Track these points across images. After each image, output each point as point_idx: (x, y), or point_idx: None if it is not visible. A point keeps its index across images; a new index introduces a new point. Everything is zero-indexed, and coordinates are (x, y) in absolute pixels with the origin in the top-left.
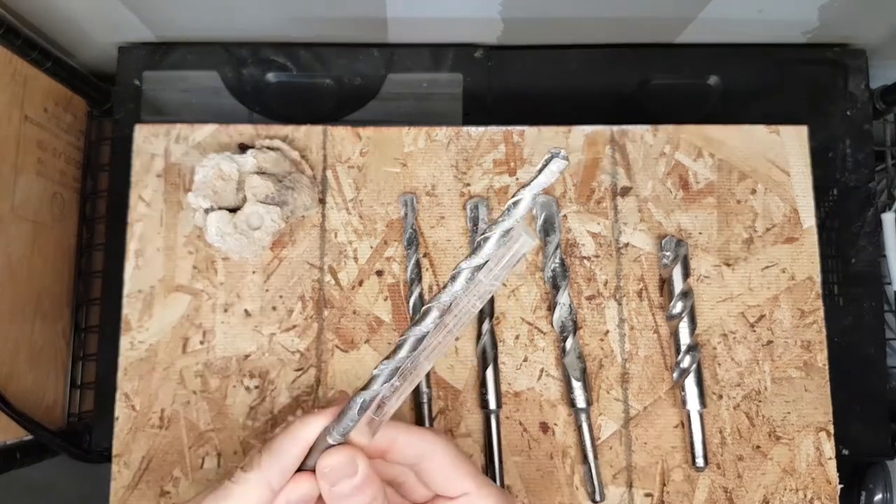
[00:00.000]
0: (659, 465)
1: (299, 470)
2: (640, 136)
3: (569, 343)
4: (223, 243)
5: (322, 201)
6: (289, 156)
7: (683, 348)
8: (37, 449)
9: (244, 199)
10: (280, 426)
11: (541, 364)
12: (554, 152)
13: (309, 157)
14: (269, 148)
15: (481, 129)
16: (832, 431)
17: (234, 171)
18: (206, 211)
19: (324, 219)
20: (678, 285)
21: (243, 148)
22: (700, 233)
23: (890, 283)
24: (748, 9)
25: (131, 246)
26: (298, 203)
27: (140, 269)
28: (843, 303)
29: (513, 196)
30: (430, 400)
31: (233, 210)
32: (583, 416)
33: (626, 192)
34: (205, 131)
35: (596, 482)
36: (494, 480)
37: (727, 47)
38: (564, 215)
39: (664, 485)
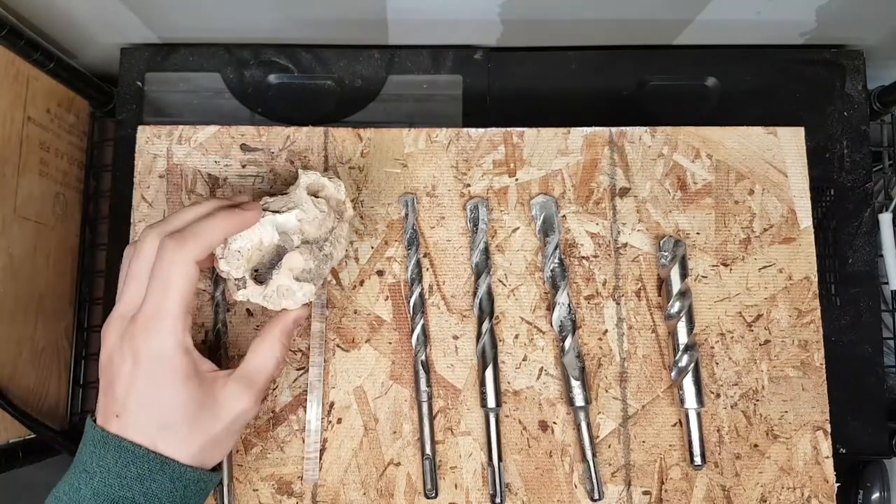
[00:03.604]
0: (657, 464)
1: None
2: (639, 138)
3: (568, 342)
4: (247, 302)
5: None
6: (336, 196)
7: (681, 347)
8: (39, 448)
9: (278, 259)
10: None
11: (540, 363)
12: None
13: (310, 158)
14: (314, 195)
15: (481, 130)
16: (829, 430)
17: (274, 240)
18: (237, 280)
19: None
20: (676, 285)
21: (246, 149)
22: (698, 233)
23: (887, 283)
24: (746, 10)
25: None
26: (335, 257)
27: None
28: (840, 302)
29: None
30: (430, 399)
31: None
32: (581, 415)
33: (624, 192)
34: (207, 132)
35: (595, 480)
36: (494, 478)
37: (725, 49)
38: (563, 216)
39: (662, 483)
